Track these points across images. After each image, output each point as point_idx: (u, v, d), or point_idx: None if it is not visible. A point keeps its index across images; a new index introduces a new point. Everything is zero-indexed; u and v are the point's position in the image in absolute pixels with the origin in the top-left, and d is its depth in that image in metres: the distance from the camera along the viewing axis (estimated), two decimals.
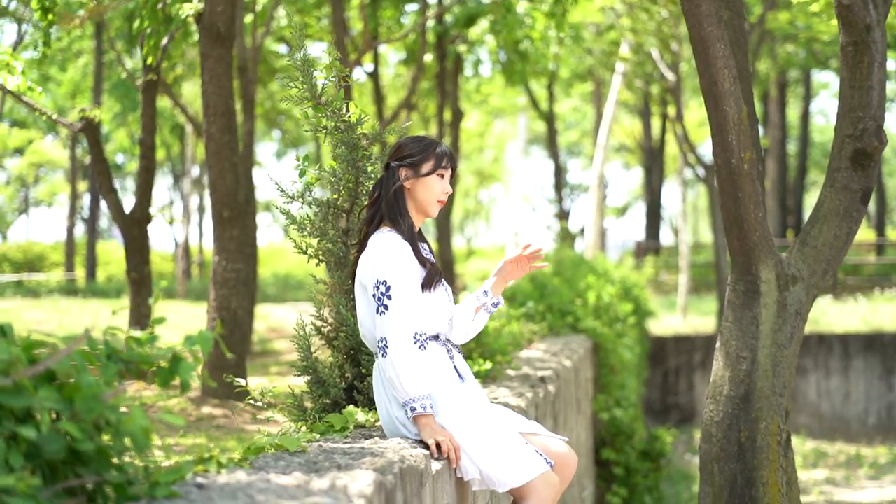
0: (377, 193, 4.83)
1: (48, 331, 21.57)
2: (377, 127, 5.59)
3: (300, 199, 5.59)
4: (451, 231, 18.89)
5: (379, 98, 18.87)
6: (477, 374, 7.14)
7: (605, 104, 25.81)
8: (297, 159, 5.54)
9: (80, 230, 44.11)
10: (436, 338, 4.73)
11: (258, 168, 40.90)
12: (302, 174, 5.54)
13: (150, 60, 10.69)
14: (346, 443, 4.38)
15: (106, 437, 2.67)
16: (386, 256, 4.53)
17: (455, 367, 4.77)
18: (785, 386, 5.89)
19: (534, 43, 17.09)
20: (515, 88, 23.80)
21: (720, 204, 6.01)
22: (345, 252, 5.49)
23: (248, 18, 15.53)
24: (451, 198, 18.25)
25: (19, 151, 43.64)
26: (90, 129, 10.93)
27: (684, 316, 23.05)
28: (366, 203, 4.98)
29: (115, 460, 2.71)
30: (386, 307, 4.48)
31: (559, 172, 27.28)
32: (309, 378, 5.50)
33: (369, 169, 5.45)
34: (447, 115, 18.78)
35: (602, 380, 11.42)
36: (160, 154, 34.76)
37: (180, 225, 36.92)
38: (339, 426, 4.93)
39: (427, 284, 4.65)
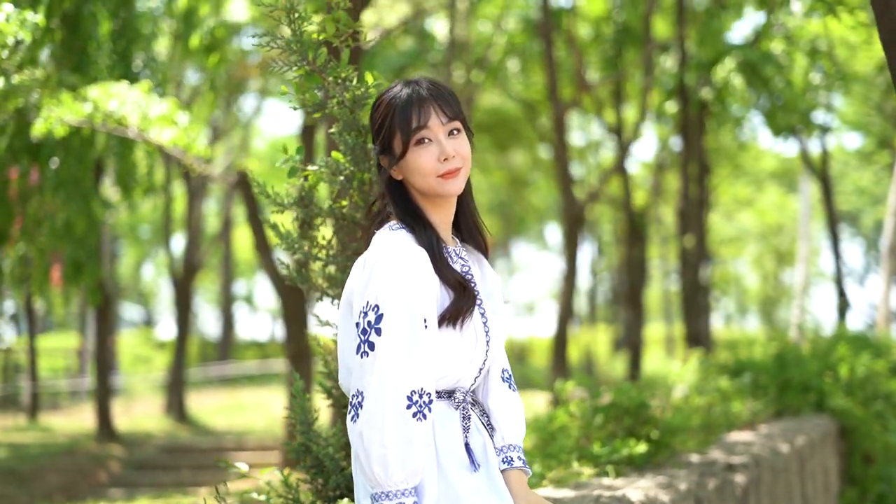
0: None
1: None
2: None
3: (294, 207, 3.99)
4: (695, 305, 16.73)
5: (622, 151, 17.08)
6: (628, 460, 5.40)
7: None
8: (284, 151, 3.90)
9: None
10: (449, 395, 2.97)
11: None
12: (292, 172, 3.90)
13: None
14: None
15: None
16: (384, 267, 2.83)
17: (467, 443, 2.96)
18: None
19: (791, 87, 14.94)
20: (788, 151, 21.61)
21: None
22: None
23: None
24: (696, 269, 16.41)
25: None
26: (244, 184, 9.84)
27: None
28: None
29: None
30: (371, 346, 2.78)
31: (836, 241, 24.70)
32: (307, 461, 3.92)
33: None
34: (692, 170, 16.83)
35: (852, 470, 9.20)
36: None
37: None
38: None
39: (452, 317, 2.89)
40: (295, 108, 3.92)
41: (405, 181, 3.02)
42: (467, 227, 3.16)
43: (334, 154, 3.86)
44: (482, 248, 3.19)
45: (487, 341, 3.00)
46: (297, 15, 3.86)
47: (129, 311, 56.44)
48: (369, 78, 3.76)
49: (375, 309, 2.77)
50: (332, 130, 3.86)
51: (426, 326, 2.78)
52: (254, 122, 28.99)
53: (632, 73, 17.85)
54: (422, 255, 2.86)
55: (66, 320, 40.07)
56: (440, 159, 2.94)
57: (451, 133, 2.98)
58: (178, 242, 38.76)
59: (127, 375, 31.54)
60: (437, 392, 2.91)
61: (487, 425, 3.08)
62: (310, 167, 3.87)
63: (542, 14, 13.87)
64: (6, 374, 25.74)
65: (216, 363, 32.83)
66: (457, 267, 3.01)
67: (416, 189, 3.01)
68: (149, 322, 54.86)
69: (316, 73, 3.84)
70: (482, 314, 3.01)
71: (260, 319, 63.20)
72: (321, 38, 3.84)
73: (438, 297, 2.89)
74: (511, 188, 30.95)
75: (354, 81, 3.82)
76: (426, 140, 2.95)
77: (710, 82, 15.44)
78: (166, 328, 50.63)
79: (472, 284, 3.00)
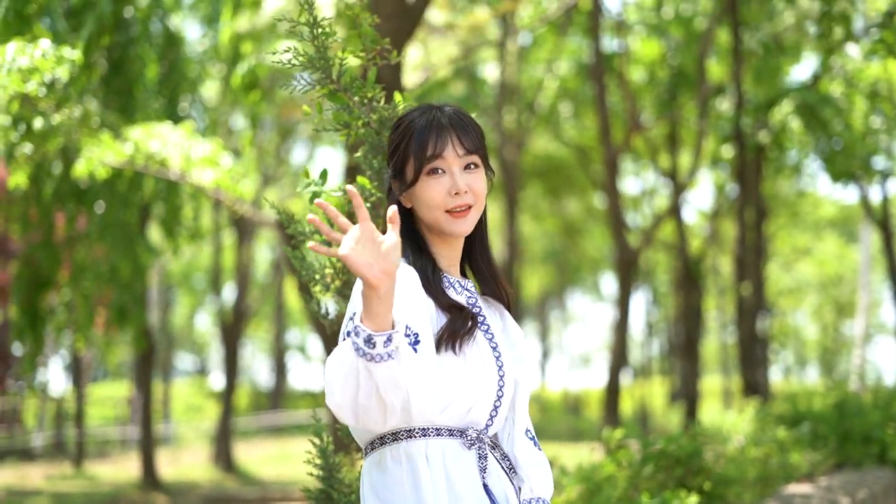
0: None
1: None
2: None
3: (316, 236, 3.74)
4: (750, 357, 16.30)
5: (677, 194, 16.78)
6: None
7: None
8: (305, 175, 3.65)
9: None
10: (461, 434, 2.68)
11: None
12: (313, 198, 3.64)
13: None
14: None
15: None
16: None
17: (486, 484, 2.69)
18: None
19: (851, 130, 14.58)
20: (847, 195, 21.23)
21: None
22: None
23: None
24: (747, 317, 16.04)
25: None
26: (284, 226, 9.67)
27: None
28: None
29: None
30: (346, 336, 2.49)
31: None
32: None
33: None
34: (749, 216, 16.51)
35: None
36: None
37: None
38: None
39: (448, 338, 2.65)
40: (317, 130, 3.68)
41: (413, 211, 2.80)
42: (483, 276, 2.93)
43: (359, 179, 3.60)
44: (504, 300, 2.94)
45: (501, 376, 2.75)
46: (320, 31, 3.62)
47: (183, 360, 56.69)
48: (398, 98, 3.52)
49: (354, 316, 2.45)
50: (358, 154, 3.61)
51: (417, 341, 2.49)
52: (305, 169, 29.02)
53: (686, 117, 17.62)
54: (410, 272, 2.65)
55: (119, 369, 40.27)
56: (451, 193, 2.73)
57: (467, 167, 2.77)
58: (231, 291, 38.91)
59: (179, 424, 31.52)
60: (447, 429, 2.65)
61: (509, 469, 2.81)
62: (332, 193, 3.62)
63: (594, 57, 13.71)
64: (57, 423, 25.76)
65: (267, 412, 32.68)
66: (461, 298, 2.79)
67: (423, 222, 2.80)
68: (202, 371, 55.05)
69: (340, 93, 3.59)
70: (494, 348, 2.77)
71: (313, 369, 63.15)
72: (346, 55, 3.60)
73: (435, 320, 2.65)
74: (565, 236, 30.72)
75: (382, 102, 3.57)
76: (439, 171, 2.74)
77: (767, 125, 15.14)
78: (219, 377, 50.73)
79: (476, 312, 2.77)
